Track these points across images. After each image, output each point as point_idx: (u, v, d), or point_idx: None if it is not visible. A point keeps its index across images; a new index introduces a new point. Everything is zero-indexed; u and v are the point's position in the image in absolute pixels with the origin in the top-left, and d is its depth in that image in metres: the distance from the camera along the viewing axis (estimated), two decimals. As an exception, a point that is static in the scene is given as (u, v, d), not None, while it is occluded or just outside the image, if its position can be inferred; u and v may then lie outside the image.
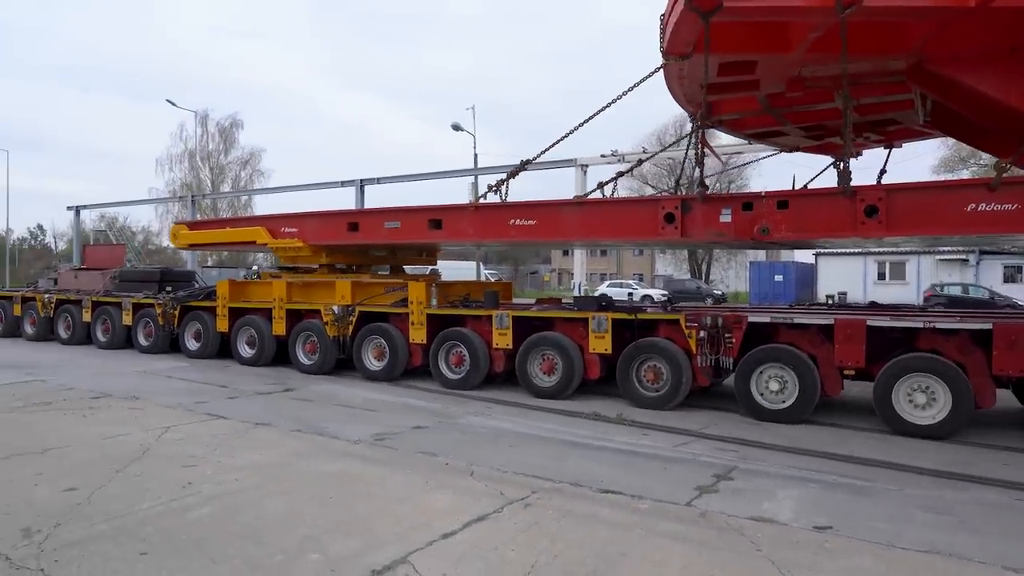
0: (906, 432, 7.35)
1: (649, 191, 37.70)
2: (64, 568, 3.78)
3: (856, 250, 34.76)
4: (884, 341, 7.95)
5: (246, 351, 12.58)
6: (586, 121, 9.79)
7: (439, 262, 32.37)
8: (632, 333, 9.12)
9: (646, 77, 8.89)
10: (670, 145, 10.05)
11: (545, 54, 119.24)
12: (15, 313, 17.05)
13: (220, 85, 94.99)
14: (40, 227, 67.90)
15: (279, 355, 12.22)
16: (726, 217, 8.63)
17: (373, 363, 11.03)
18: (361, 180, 22.93)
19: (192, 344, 13.48)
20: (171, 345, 13.87)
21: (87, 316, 15.19)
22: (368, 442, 6.81)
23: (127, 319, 14.45)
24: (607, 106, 9.63)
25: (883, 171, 10.40)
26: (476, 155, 31.81)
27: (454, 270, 28.78)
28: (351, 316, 11.22)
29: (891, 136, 10.25)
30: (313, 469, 5.80)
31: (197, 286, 15.83)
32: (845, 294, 34.53)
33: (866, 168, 10.07)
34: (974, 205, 7.32)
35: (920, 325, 7.70)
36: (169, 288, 15.12)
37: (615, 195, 10.32)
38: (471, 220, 10.50)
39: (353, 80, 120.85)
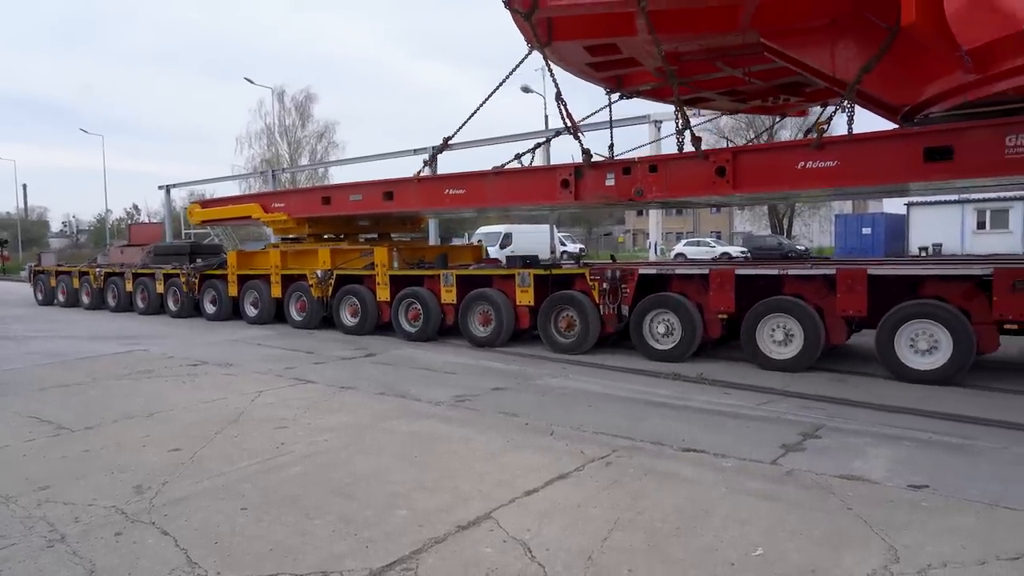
0: None
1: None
2: (173, 521, 4.04)
3: (953, 198, 32.51)
4: (753, 289, 8.52)
5: (251, 311, 14.11)
6: (484, 101, 10.71)
7: (514, 226, 32.38)
8: (550, 287, 10.01)
9: (520, 62, 9.84)
10: (596, 111, 11.40)
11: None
12: (74, 286, 18.83)
13: (297, 60, 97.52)
14: (135, 206, 71.62)
15: (277, 314, 13.73)
16: (610, 181, 9.36)
17: (349, 319, 12.34)
18: (433, 147, 23.00)
19: (209, 308, 14.81)
20: (194, 308, 15.16)
21: (129, 287, 16.91)
22: (449, 403, 6.96)
23: (160, 288, 15.90)
24: (500, 84, 10.48)
25: (808, 131, 10.50)
26: (547, 116, 31.54)
27: (528, 234, 28.84)
28: (330, 279, 12.53)
29: (811, 97, 10.44)
30: (398, 430, 5.97)
31: (223, 258, 16.79)
32: (940, 246, 32.56)
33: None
34: (803, 163, 7.96)
35: (776, 272, 8.45)
36: (199, 260, 16.37)
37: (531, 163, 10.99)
38: (415, 191, 11.72)
39: (425, 48, 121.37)
